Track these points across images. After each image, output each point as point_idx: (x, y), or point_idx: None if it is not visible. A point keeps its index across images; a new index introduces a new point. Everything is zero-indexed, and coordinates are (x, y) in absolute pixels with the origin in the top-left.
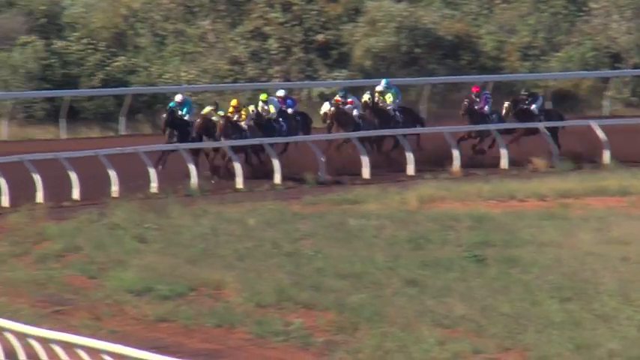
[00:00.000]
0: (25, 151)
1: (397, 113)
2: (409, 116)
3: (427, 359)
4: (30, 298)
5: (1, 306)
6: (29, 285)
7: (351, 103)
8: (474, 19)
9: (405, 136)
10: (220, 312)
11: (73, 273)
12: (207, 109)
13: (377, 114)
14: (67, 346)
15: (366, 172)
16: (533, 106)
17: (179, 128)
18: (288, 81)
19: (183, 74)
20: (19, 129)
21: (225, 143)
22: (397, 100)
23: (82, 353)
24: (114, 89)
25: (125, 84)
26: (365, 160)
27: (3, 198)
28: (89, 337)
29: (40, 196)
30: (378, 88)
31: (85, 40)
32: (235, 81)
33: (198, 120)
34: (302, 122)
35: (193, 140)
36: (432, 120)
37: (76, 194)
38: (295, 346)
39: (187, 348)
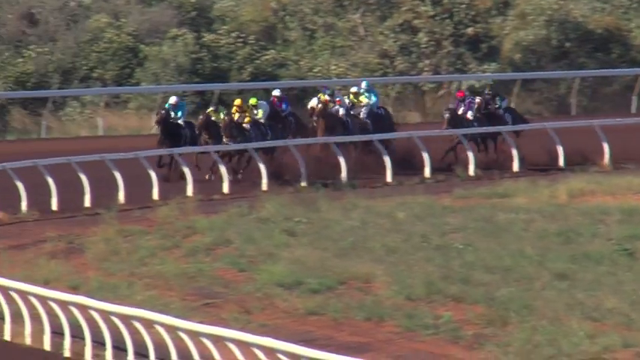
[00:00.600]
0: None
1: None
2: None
3: (577, 353)
4: (180, 292)
5: (151, 299)
6: (179, 278)
7: (338, 102)
8: (624, 13)
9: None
10: (369, 305)
11: (223, 266)
12: (209, 110)
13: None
14: (217, 340)
15: (515, 166)
16: (469, 113)
17: (172, 131)
18: (438, 74)
19: (332, 68)
20: None
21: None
22: (374, 102)
23: (231, 346)
24: (263, 83)
25: (275, 77)
26: (514, 153)
27: (154, 191)
28: (239, 330)
29: (189, 190)
30: (353, 90)
31: (234, 34)
32: (385, 75)
33: (200, 117)
34: (295, 123)
35: (192, 140)
36: (583, 114)
37: (225, 188)
38: (444, 340)
39: (336, 341)
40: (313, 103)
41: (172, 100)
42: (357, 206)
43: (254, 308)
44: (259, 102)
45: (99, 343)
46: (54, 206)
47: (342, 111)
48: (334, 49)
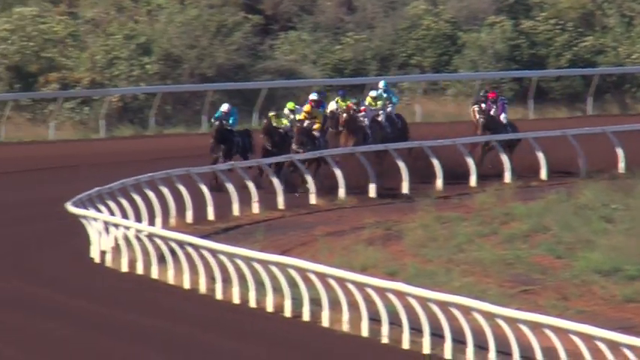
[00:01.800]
0: None
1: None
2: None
3: None
4: (497, 278)
5: (468, 285)
6: (496, 265)
7: (363, 110)
8: None
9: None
10: None
11: (540, 253)
12: (270, 115)
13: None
14: (535, 326)
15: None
16: (502, 115)
17: (227, 139)
18: None
19: None
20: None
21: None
22: (392, 106)
23: (549, 333)
24: (581, 69)
25: (592, 64)
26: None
27: (472, 178)
28: (556, 317)
29: (507, 177)
30: (372, 94)
31: (552, 21)
32: None
33: (265, 122)
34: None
35: (244, 147)
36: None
37: (543, 174)
38: None
39: None
40: (332, 106)
41: (224, 107)
42: None
43: (571, 295)
44: (296, 107)
45: (416, 329)
46: (371, 193)
47: (366, 121)
48: None
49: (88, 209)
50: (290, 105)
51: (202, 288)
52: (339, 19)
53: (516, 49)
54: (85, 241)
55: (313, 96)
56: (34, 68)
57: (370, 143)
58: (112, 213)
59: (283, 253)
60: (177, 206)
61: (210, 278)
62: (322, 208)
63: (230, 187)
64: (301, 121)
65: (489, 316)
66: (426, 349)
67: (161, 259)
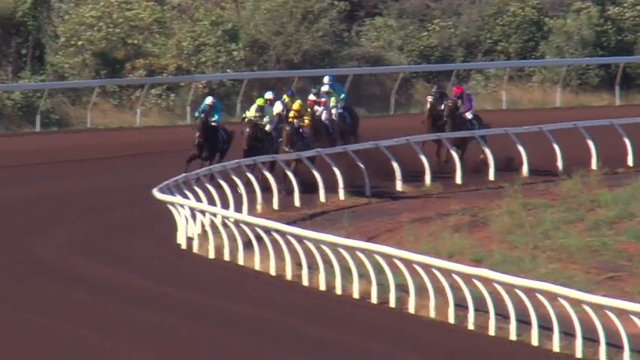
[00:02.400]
0: (579, 117)
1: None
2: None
3: None
4: (583, 265)
5: (554, 272)
6: (583, 251)
7: (323, 103)
8: None
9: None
10: None
11: (627, 240)
12: (250, 113)
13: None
14: (621, 313)
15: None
16: (468, 112)
17: (210, 136)
18: None
19: None
20: (572, 96)
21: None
22: (341, 101)
23: (636, 320)
24: None
25: None
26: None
27: (558, 164)
28: None
29: (593, 163)
30: (324, 89)
31: (639, 7)
32: None
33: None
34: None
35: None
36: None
37: (629, 161)
38: None
39: None
40: (278, 107)
41: (208, 100)
42: None
43: None
44: (267, 106)
45: (502, 316)
46: (457, 180)
47: (324, 115)
48: None
49: (174, 195)
50: (259, 101)
51: (288, 274)
52: (425, 5)
53: (603, 35)
54: (171, 227)
55: (312, 97)
56: (121, 55)
57: (334, 138)
58: (198, 199)
59: (369, 239)
60: (263, 193)
61: (297, 264)
62: (408, 195)
63: (316, 174)
64: (290, 120)
65: (575, 303)
66: (513, 335)
67: (248, 245)
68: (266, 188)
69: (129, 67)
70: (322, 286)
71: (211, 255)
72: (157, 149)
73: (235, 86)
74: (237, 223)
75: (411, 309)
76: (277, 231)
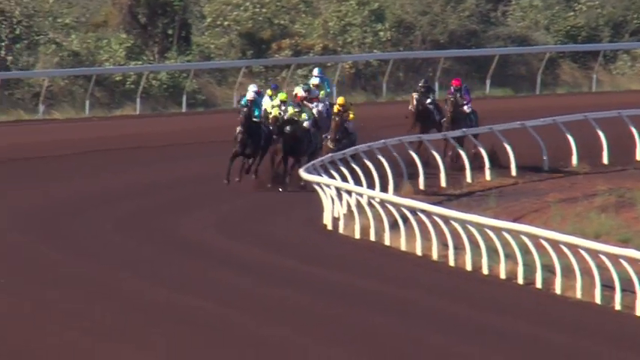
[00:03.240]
0: None
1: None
2: None
3: None
4: None
5: None
6: None
7: (315, 100)
8: None
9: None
10: None
11: None
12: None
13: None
14: None
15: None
16: (466, 107)
17: (254, 131)
18: None
19: None
20: None
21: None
22: (327, 97)
23: None
24: None
25: None
26: None
27: None
28: None
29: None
30: (314, 82)
31: None
32: None
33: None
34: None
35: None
36: None
37: None
38: None
39: None
40: (267, 102)
41: (250, 95)
42: None
43: None
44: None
45: None
46: (604, 160)
47: (321, 107)
48: None
49: (320, 175)
50: (282, 96)
51: (434, 255)
52: None
53: None
54: (317, 207)
55: (299, 91)
56: (267, 35)
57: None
58: (344, 179)
59: (515, 219)
60: (410, 173)
61: (443, 245)
62: (555, 175)
63: (463, 154)
64: (335, 114)
65: None
66: None
67: (394, 225)
68: (412, 169)
69: (275, 48)
70: (468, 267)
71: (357, 235)
72: None
73: (381, 66)
74: (383, 203)
75: (558, 290)
76: (423, 211)
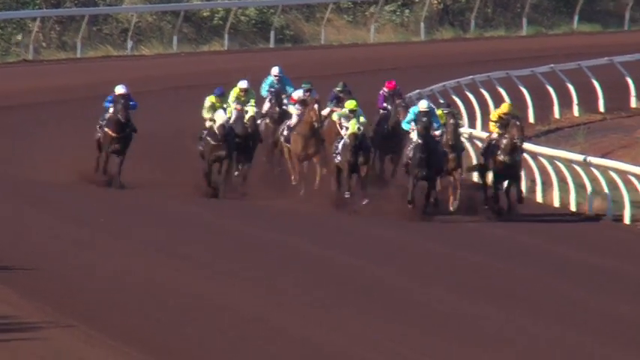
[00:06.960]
0: None
1: None
2: None
3: None
4: None
5: None
6: None
7: (294, 100)
8: None
9: None
10: None
11: None
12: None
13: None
14: None
15: None
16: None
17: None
18: None
19: None
20: None
21: None
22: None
23: None
24: None
25: None
26: None
27: None
28: None
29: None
30: (242, 85)
31: None
32: None
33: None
34: None
35: None
36: None
37: None
38: None
39: None
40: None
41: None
42: None
43: None
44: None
45: None
46: None
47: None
48: None
49: None
50: (352, 104)
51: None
52: None
53: None
54: None
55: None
56: None
57: None
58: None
59: (604, 155)
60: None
61: (530, 181)
62: None
63: (550, 90)
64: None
65: None
66: None
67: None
68: None
69: None
70: (556, 203)
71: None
72: (390, 66)
73: (469, 2)
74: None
75: None
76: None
